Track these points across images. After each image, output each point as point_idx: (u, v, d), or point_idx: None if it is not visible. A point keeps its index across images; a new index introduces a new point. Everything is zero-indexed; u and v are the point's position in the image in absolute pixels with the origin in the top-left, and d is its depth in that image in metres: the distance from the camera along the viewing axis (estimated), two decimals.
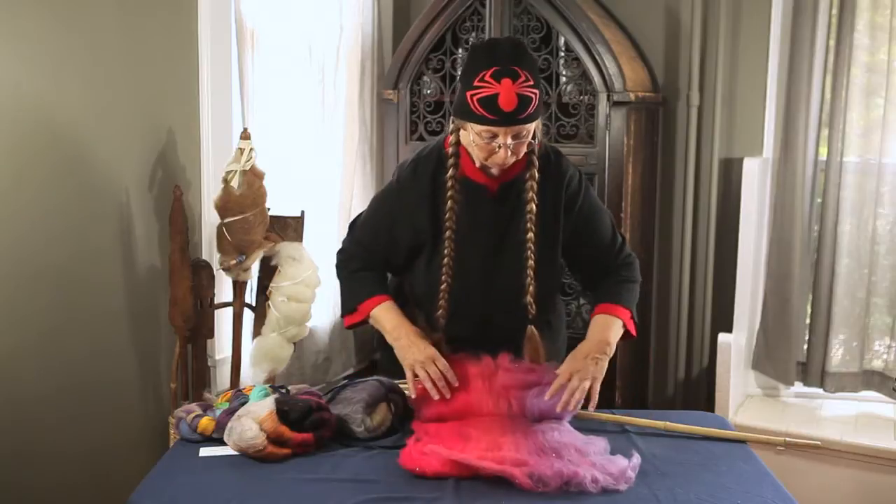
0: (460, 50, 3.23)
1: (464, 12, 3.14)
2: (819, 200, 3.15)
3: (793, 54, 3.06)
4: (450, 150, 2.00)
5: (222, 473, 1.71)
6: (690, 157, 3.30)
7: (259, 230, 2.55)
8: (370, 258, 2.16)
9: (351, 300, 2.15)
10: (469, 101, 1.87)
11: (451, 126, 2.00)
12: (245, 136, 2.53)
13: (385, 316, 2.08)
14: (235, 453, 1.77)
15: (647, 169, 3.26)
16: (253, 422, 1.76)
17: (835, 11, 3.01)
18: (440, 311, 2.04)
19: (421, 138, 3.27)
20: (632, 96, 2.99)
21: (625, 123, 2.99)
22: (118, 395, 2.53)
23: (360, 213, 2.23)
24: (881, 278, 3.10)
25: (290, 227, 2.69)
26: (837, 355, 3.16)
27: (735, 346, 3.06)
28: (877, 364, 3.15)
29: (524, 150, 1.94)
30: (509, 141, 1.87)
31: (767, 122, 3.20)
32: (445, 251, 2.02)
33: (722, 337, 3.09)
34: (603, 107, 2.99)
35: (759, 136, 3.23)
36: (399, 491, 1.61)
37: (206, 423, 1.86)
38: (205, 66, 2.69)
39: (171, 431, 2.43)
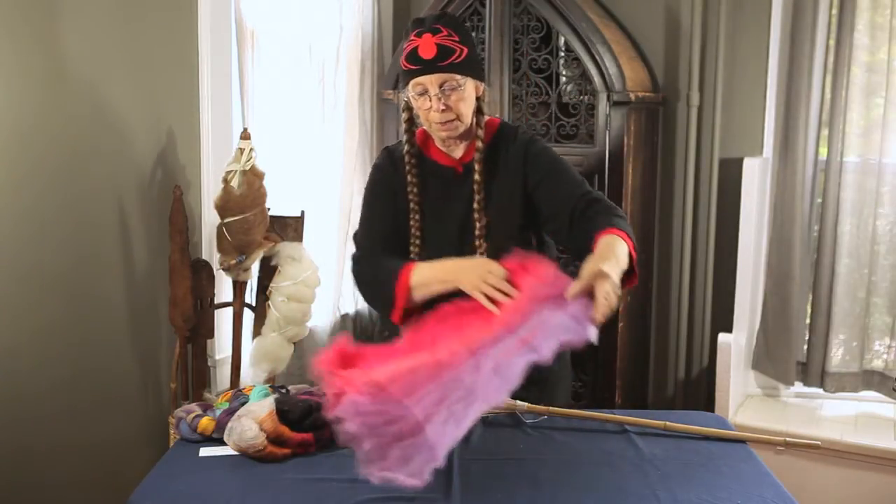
0: None
1: (464, 12, 3.13)
2: (819, 200, 3.15)
3: (793, 54, 3.06)
4: (403, 126, 2.08)
5: (222, 473, 1.71)
6: (690, 157, 3.30)
7: (259, 230, 2.55)
8: (386, 250, 2.07)
9: (384, 293, 1.99)
10: (400, 64, 2.01)
11: (402, 105, 2.08)
12: (245, 136, 2.53)
13: (427, 273, 1.94)
14: (235, 453, 1.77)
15: (647, 169, 3.26)
16: (253, 422, 1.76)
17: (835, 11, 3.02)
18: None
19: None
20: (632, 96, 2.99)
21: (625, 123, 2.99)
22: (118, 395, 2.53)
23: (358, 224, 2.20)
24: (881, 278, 3.10)
25: (290, 227, 2.69)
26: (837, 355, 3.16)
27: (735, 346, 3.06)
28: (877, 364, 3.15)
29: (464, 110, 1.98)
30: (437, 91, 1.95)
31: (767, 122, 3.20)
32: (412, 223, 2.06)
33: (722, 337, 3.09)
34: (603, 107, 2.99)
35: (758, 136, 3.23)
36: (399, 491, 1.60)
37: (206, 423, 1.86)
38: (205, 66, 2.69)
39: (171, 431, 2.43)
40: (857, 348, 3.13)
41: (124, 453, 2.54)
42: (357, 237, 2.16)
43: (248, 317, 2.73)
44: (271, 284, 2.62)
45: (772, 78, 3.17)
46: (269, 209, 2.58)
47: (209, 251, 2.70)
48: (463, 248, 2.05)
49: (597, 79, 2.99)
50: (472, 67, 2.00)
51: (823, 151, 3.11)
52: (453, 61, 1.94)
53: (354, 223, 3.40)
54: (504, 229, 2.06)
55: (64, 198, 2.30)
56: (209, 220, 2.69)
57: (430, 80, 1.95)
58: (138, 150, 2.52)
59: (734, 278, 3.16)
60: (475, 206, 2.03)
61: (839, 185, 3.06)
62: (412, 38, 1.98)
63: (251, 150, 2.50)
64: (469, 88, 1.99)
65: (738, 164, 3.13)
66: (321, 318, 3.25)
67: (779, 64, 3.14)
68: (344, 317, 3.43)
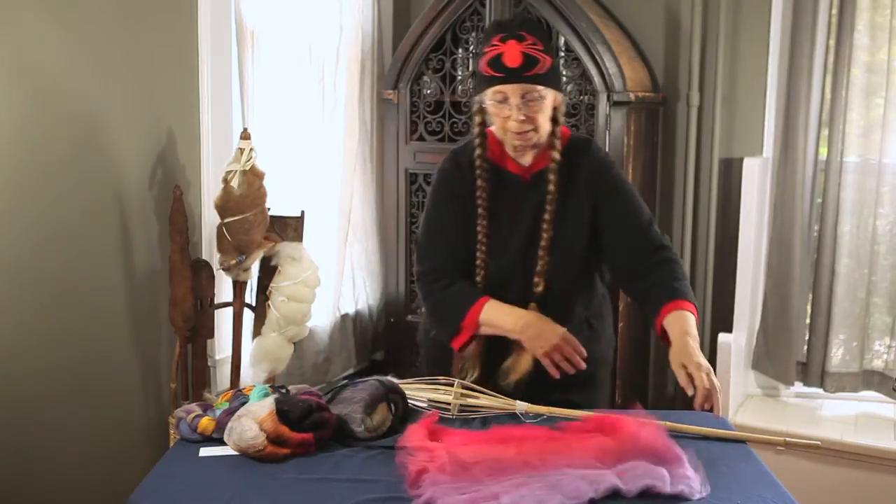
0: (460, 50, 3.24)
1: (464, 12, 3.14)
2: (819, 200, 3.15)
3: (793, 54, 3.06)
4: (476, 129, 2.05)
5: (222, 473, 1.71)
6: (690, 157, 3.30)
7: (259, 230, 2.55)
8: (451, 264, 2.08)
9: (451, 321, 2.04)
10: (480, 67, 1.97)
11: (475, 108, 2.05)
12: (245, 136, 2.53)
13: (496, 316, 2.00)
14: (235, 453, 1.77)
15: (647, 169, 3.25)
16: (253, 422, 1.76)
17: (835, 11, 3.01)
18: (479, 286, 2.06)
19: (421, 138, 3.27)
20: (632, 96, 2.99)
21: (625, 123, 2.99)
22: (118, 395, 2.53)
23: (420, 229, 2.19)
24: (881, 278, 3.10)
25: (290, 227, 2.69)
26: (837, 355, 3.16)
27: (735, 346, 3.06)
28: (877, 364, 3.15)
29: (542, 121, 1.96)
30: (518, 101, 1.91)
31: (767, 122, 3.20)
32: (479, 229, 2.04)
33: (722, 337, 3.09)
34: (603, 107, 2.99)
35: (759, 136, 3.23)
36: (399, 491, 1.61)
37: (206, 423, 1.86)
38: (205, 66, 2.69)
39: (171, 431, 2.43)
40: (857, 348, 3.13)
41: (124, 453, 2.54)
42: (422, 247, 2.14)
43: (248, 317, 2.73)
44: (271, 284, 2.62)
45: (772, 78, 3.17)
46: (269, 209, 2.58)
47: (209, 251, 2.70)
48: (526, 259, 2.04)
49: (597, 79, 2.99)
50: (554, 78, 1.99)
51: (823, 151, 3.11)
52: (537, 72, 1.92)
53: (354, 223, 3.43)
54: (569, 245, 2.05)
55: (64, 197, 2.30)
56: (209, 220, 2.69)
57: (513, 90, 1.92)
58: (138, 151, 2.52)
59: (734, 278, 3.16)
60: (546, 216, 2.01)
61: (839, 185, 3.06)
62: (495, 42, 1.92)
63: (251, 150, 2.50)
64: (549, 99, 1.97)
65: (739, 164, 3.13)
66: (321, 318, 3.25)
67: (779, 64, 3.14)
68: (344, 317, 3.43)
